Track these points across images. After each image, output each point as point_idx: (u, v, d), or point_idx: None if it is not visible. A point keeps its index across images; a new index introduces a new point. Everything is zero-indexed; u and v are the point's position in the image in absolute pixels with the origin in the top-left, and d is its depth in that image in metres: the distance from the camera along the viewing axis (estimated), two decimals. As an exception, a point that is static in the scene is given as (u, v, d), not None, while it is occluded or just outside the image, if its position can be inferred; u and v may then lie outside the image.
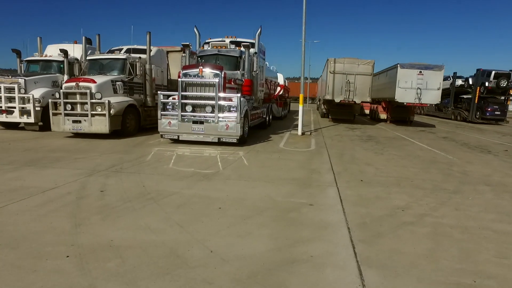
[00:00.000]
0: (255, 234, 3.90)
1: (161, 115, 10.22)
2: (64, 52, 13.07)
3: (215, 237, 3.77)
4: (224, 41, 12.79)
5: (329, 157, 8.84)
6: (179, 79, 10.15)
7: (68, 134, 11.31)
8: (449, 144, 12.46)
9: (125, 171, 6.67)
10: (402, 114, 21.09)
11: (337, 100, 19.10)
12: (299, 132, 13.65)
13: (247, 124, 11.09)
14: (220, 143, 10.05)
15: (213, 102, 9.84)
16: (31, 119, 12.06)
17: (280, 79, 22.95)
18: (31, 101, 11.93)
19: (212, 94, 9.86)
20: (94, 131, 10.76)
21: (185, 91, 10.08)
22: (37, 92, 12.25)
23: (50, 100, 11.03)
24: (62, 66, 13.47)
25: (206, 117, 9.96)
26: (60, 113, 10.82)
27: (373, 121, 23.06)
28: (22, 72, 13.87)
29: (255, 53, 11.77)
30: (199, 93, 10.01)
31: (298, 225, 4.21)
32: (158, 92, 10.50)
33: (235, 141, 9.99)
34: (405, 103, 18.59)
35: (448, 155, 9.92)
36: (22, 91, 12.09)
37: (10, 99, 12.23)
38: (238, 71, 11.36)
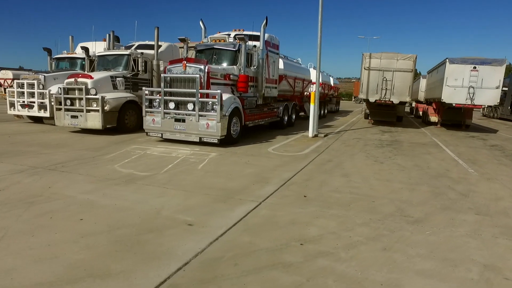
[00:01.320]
0: (54, 260, 3.16)
1: (146, 112, 9.91)
2: (85, 49, 13.58)
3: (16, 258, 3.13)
4: (229, 34, 12.06)
5: (307, 164, 7.61)
6: (162, 75, 9.72)
7: (73, 129, 11.68)
8: (490, 154, 10.10)
9: (60, 169, 6.39)
10: (455, 117, 18.10)
11: (371, 99, 17.09)
12: (310, 134, 12.34)
13: (239, 124, 10.25)
14: (204, 143, 9.39)
15: (194, 99, 9.22)
16: (47, 114, 12.74)
17: (314, 76, 21.38)
18: (47, 96, 12.60)
19: (193, 90, 9.24)
20: (88, 126, 10.91)
21: (170, 87, 9.61)
22: (54, 88, 12.91)
23: (54, 96, 11.49)
24: (84, 63, 14.05)
25: (187, 114, 9.38)
26: (61, 108, 11.19)
27: (424, 124, 20.30)
28: (52, 69, 14.83)
29: (255, 46, 10.83)
30: (179, 89, 9.47)
31: (137, 254, 3.35)
32: (143, 87, 10.22)
33: (216, 141, 9.23)
34: (453, 104, 15.84)
35: (471, 168, 7.93)
36: (41, 87, 12.83)
37: (32, 94, 13.07)
38: (235, 66, 10.57)
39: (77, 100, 11.03)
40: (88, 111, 10.83)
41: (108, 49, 13.54)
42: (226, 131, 9.38)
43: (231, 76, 10.34)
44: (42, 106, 12.87)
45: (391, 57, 16.29)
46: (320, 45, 12.50)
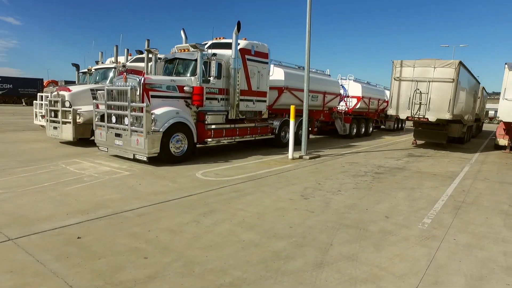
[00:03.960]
0: None
1: (96, 125, 9.73)
2: (76, 66, 14.50)
3: None
4: (207, 43, 11.25)
5: (189, 195, 6.23)
6: (105, 87, 9.42)
7: (60, 139, 12.30)
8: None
9: None
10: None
11: (402, 116, 14.13)
12: (290, 155, 10.57)
13: (187, 141, 9.28)
14: (140, 160, 8.69)
15: (127, 112, 8.65)
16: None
17: (354, 90, 18.91)
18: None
19: (124, 103, 8.69)
20: (63, 137, 11.29)
21: (113, 100, 9.25)
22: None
23: (45, 108, 12.27)
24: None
25: (123, 129, 8.85)
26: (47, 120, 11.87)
27: (493, 148, 15.97)
28: (78, 82, 16.13)
29: (214, 54, 9.77)
30: (113, 102, 9.02)
31: None
32: (93, 100, 10.07)
33: (145, 159, 8.45)
34: (512, 124, 11.97)
35: (437, 226, 5.46)
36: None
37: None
38: (192, 77, 9.69)
39: (59, 112, 11.54)
40: (64, 123, 11.23)
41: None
42: (158, 148, 8.53)
43: (185, 88, 9.48)
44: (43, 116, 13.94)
45: (427, 65, 13.24)
46: (309, 45, 10.72)
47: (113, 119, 9.16)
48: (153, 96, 8.88)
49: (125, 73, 9.01)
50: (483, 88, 22.44)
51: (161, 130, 8.56)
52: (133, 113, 8.53)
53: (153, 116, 8.47)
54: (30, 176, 7.11)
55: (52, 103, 11.70)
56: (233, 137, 10.86)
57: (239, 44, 10.76)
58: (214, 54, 9.73)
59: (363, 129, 19.43)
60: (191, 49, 10.06)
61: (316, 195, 6.53)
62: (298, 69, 14.27)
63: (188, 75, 9.86)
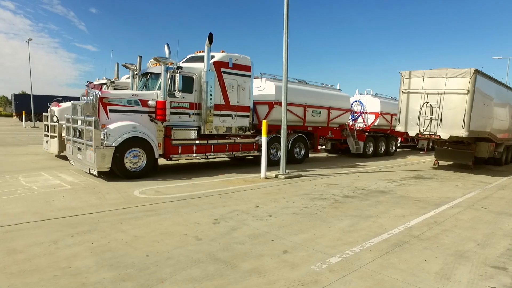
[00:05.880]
0: None
1: (66, 139, 9.87)
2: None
3: None
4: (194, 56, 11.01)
5: (91, 212, 5.76)
6: (71, 102, 9.54)
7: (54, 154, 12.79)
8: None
9: None
10: None
11: (411, 133, 12.48)
12: (262, 174, 9.72)
13: (146, 157, 8.95)
14: (99, 174, 8.55)
15: (85, 127, 8.61)
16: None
17: (373, 106, 17.37)
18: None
19: (80, 117, 8.67)
20: (51, 151, 11.69)
21: (78, 115, 9.31)
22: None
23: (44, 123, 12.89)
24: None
25: (82, 143, 8.81)
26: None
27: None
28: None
29: (180, 67, 9.44)
30: (74, 116, 9.04)
31: None
32: (65, 115, 10.23)
33: (96, 174, 8.27)
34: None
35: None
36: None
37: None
38: (157, 92, 9.47)
39: (48, 127, 12.03)
40: (52, 137, 11.65)
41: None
42: (109, 163, 8.30)
43: (149, 102, 9.27)
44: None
45: (438, 75, 11.62)
46: (287, 52, 9.95)
47: (77, 133, 9.21)
48: (111, 111, 8.76)
49: (87, 88, 9.06)
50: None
51: (113, 144, 8.34)
52: (87, 127, 8.46)
53: (105, 130, 8.32)
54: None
55: (47, 118, 12.28)
56: (206, 154, 10.33)
57: (214, 56, 10.39)
58: (180, 68, 9.40)
59: (383, 148, 17.62)
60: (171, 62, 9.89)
61: (234, 220, 5.68)
62: (292, 83, 13.41)
63: (156, 89, 9.66)
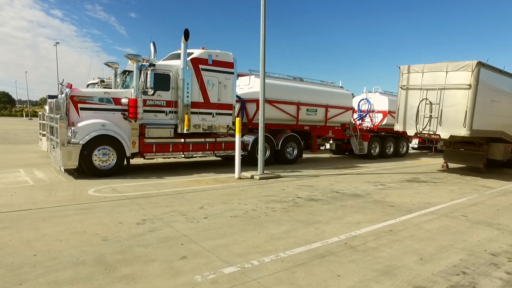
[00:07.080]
0: None
1: (46, 136, 10.07)
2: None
3: None
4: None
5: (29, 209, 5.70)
6: (48, 100, 9.70)
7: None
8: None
9: None
10: None
11: (410, 132, 11.53)
12: (236, 174, 9.35)
13: (117, 155, 8.91)
14: (71, 171, 8.65)
15: (54, 124, 8.72)
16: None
17: (380, 104, 16.36)
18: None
19: (51, 115, 8.78)
20: (43, 149, 12.03)
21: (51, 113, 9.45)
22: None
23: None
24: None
25: (54, 141, 8.94)
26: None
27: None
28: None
29: (153, 65, 9.29)
30: (48, 114, 9.17)
31: None
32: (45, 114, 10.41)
33: (63, 171, 8.34)
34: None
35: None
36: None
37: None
38: (131, 89, 9.41)
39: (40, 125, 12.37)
40: (43, 135, 11.99)
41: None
42: (76, 160, 8.32)
43: (122, 100, 9.22)
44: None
45: (438, 69, 10.64)
46: (264, 46, 9.52)
47: (53, 131, 9.36)
48: (82, 109, 8.79)
49: (61, 86, 9.18)
50: None
51: (80, 142, 8.36)
52: (55, 124, 8.55)
53: (72, 128, 8.36)
54: None
55: (41, 117, 12.67)
56: (184, 153, 10.12)
57: (192, 53, 10.17)
58: (153, 65, 9.27)
59: (392, 149, 16.53)
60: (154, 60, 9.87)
61: (163, 221, 5.38)
62: (285, 80, 12.90)
63: (131, 87, 9.60)
